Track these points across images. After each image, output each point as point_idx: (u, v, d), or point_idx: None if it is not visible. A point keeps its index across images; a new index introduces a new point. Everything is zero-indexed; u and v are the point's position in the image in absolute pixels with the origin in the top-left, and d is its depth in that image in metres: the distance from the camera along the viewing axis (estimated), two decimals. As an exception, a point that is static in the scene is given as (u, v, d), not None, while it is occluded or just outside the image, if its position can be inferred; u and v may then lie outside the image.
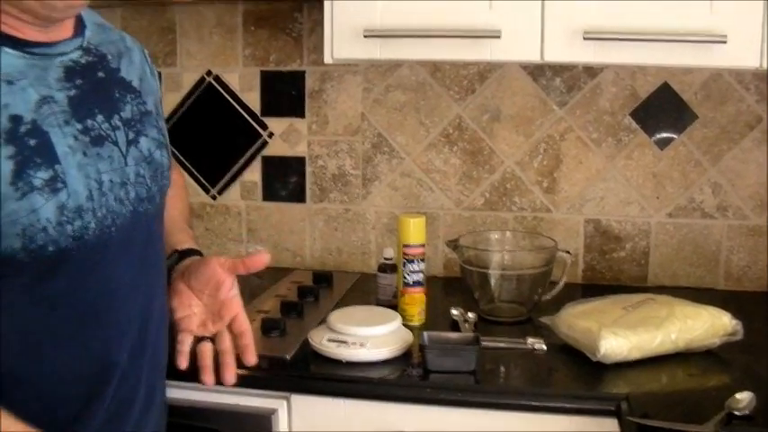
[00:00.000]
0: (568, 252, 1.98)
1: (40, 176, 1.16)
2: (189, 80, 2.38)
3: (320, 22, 2.01)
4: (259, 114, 2.40)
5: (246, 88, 2.38)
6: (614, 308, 1.78)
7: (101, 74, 1.33)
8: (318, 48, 2.21)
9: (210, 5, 2.36)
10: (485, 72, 2.17)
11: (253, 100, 2.39)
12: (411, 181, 2.28)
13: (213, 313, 1.47)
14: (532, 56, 1.81)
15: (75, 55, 1.29)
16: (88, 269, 1.24)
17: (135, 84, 1.39)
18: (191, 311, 1.46)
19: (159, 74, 1.55)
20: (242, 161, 2.43)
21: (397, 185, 2.27)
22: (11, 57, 1.18)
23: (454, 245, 1.98)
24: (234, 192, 2.43)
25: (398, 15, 1.84)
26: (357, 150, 2.29)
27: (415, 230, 1.91)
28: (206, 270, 1.46)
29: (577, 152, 2.19)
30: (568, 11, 1.75)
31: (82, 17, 1.34)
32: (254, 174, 2.42)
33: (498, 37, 1.77)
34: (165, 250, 1.51)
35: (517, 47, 1.82)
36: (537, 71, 2.16)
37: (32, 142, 1.16)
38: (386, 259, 2.02)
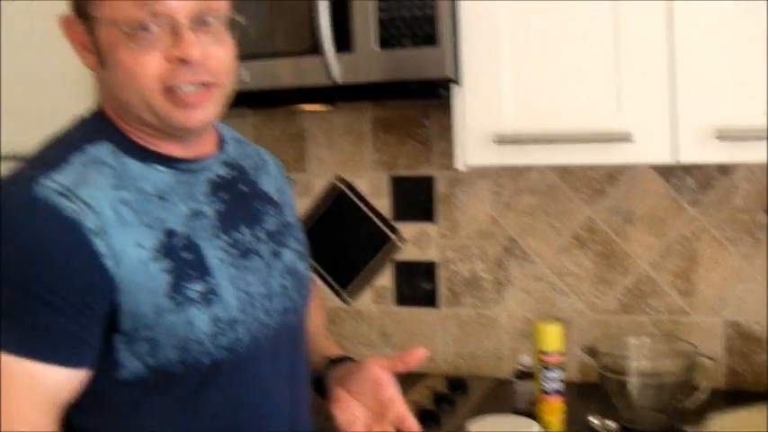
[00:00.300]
0: (710, 358, 1.93)
1: (196, 289, 1.24)
2: (319, 186, 2.50)
3: (448, 128, 2.11)
4: (390, 219, 2.57)
5: (376, 193, 2.61)
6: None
7: (243, 187, 1.45)
8: (447, 152, 2.33)
9: (339, 112, 2.62)
10: (615, 173, 2.29)
11: (383, 205, 2.60)
12: (544, 285, 2.43)
13: (377, 415, 1.47)
14: (665, 158, 1.91)
15: (219, 170, 1.41)
16: (239, 382, 1.32)
17: (274, 196, 1.51)
18: (353, 416, 1.47)
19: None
20: (373, 266, 2.59)
21: (530, 289, 2.39)
22: (161, 173, 1.30)
23: (592, 351, 1.97)
24: (366, 296, 2.63)
25: (528, 121, 2.01)
26: (489, 254, 2.41)
27: (552, 338, 1.94)
28: (364, 372, 1.48)
29: (713, 252, 2.31)
30: (699, 111, 1.85)
31: (222, 133, 1.50)
32: (385, 278, 2.61)
33: (629, 140, 1.77)
34: (315, 358, 1.58)
35: (649, 149, 1.91)
36: (668, 171, 2.34)
37: (186, 255, 1.25)
38: (522, 366, 2.01)
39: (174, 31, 1.22)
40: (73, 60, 1.33)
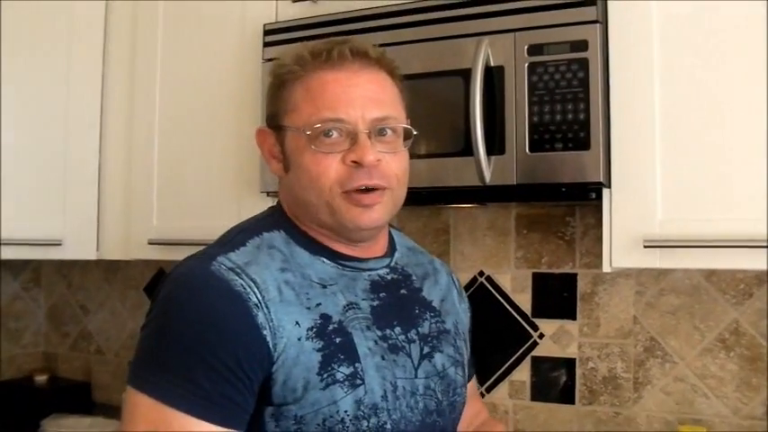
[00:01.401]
0: None
1: (343, 371, 1.31)
2: (462, 280, 2.54)
3: (592, 226, 2.10)
4: (530, 315, 2.63)
5: (518, 289, 2.66)
6: None
7: (403, 291, 1.55)
8: (591, 251, 2.34)
9: (483, 209, 2.68)
10: (762, 275, 2.28)
11: (524, 301, 2.65)
12: (685, 386, 2.42)
13: None
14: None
15: (383, 272, 1.52)
16: None
17: (435, 304, 1.58)
18: None
19: (467, 299, 1.79)
20: (512, 361, 2.63)
21: (670, 390, 2.38)
22: (326, 266, 1.42)
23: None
24: (502, 390, 2.69)
25: (677, 224, 2.02)
26: (629, 353, 2.41)
27: (696, 442, 1.90)
28: None
29: None
30: None
31: (394, 240, 1.62)
32: (523, 373, 2.65)
33: None
34: None
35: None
36: (817, 275, 2.13)
37: (338, 340, 1.33)
38: (664, 468, 2.00)
39: (353, 138, 1.37)
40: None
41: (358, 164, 1.35)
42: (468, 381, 1.67)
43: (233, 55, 2.57)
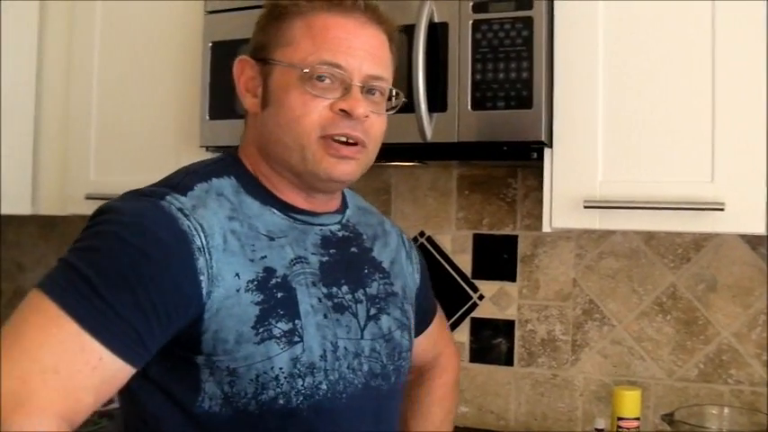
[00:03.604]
0: (792, 431, 1.91)
1: (280, 327, 1.28)
2: (402, 240, 2.48)
3: (534, 188, 2.09)
4: (470, 276, 2.61)
5: (458, 250, 2.63)
6: None
7: (354, 249, 1.51)
8: (532, 213, 2.33)
9: (426, 168, 2.66)
10: (700, 240, 2.30)
11: (464, 262, 2.63)
12: (622, 349, 2.44)
13: None
14: (757, 228, 1.90)
15: (335, 228, 1.48)
16: None
17: (385, 265, 1.56)
18: None
19: (420, 259, 1.77)
20: (451, 322, 2.63)
21: (608, 353, 2.42)
22: (276, 217, 1.38)
23: (670, 419, 1.98)
24: None
25: (617, 185, 2.02)
26: (567, 316, 2.43)
27: (630, 404, 1.95)
28: None
29: None
30: None
31: (346, 198, 1.59)
32: (462, 334, 2.64)
33: (722, 209, 1.81)
34: None
35: (741, 219, 1.90)
36: (755, 240, 2.36)
37: (280, 294, 1.30)
38: (597, 430, 2.01)
39: (346, 87, 1.34)
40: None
41: (347, 114, 1.33)
42: (426, 327, 1.71)
43: (175, 6, 2.49)
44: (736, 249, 2.34)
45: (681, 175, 1.94)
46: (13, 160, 2.63)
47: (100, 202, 2.54)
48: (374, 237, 1.56)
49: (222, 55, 2.24)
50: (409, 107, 2.00)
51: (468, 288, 2.60)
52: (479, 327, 2.60)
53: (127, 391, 1.24)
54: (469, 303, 2.60)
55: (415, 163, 2.44)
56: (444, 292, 2.60)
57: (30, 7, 2.66)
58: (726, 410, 2.22)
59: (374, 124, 1.38)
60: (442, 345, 1.83)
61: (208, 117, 2.30)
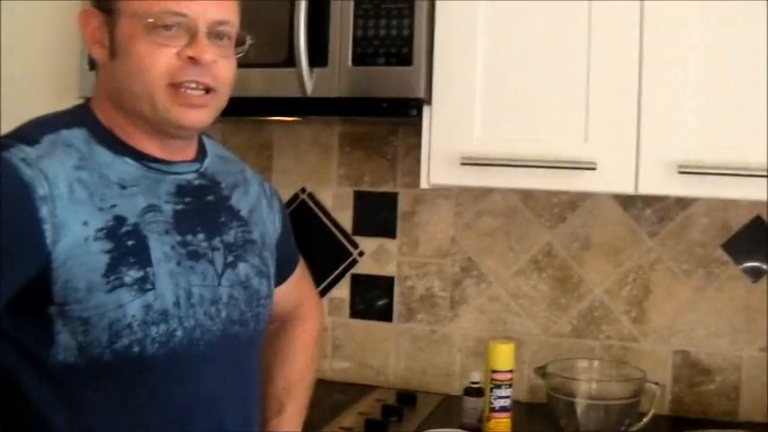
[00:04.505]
0: (657, 383, 1.97)
1: (131, 275, 1.27)
2: (283, 196, 2.54)
3: (415, 146, 2.13)
4: (350, 233, 2.64)
5: (339, 207, 2.64)
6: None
7: (210, 198, 1.51)
8: (412, 171, 2.35)
9: (307, 125, 2.66)
10: (576, 200, 2.29)
11: (345, 219, 2.64)
12: (498, 305, 2.47)
13: None
14: (627, 188, 1.97)
15: (190, 177, 1.47)
16: (172, 380, 1.34)
17: (243, 213, 1.55)
18: None
19: (282, 207, 1.76)
20: (331, 278, 2.64)
21: (485, 309, 2.42)
22: (129, 166, 1.36)
23: (542, 372, 2.02)
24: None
25: (494, 144, 2.05)
26: (446, 273, 2.42)
27: (504, 357, 1.99)
28: None
29: (667, 283, 2.39)
30: (663, 144, 1.91)
31: (205, 146, 1.58)
32: (342, 291, 2.65)
33: (594, 169, 1.86)
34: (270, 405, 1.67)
35: (612, 179, 1.97)
36: (628, 201, 2.40)
37: (130, 243, 1.29)
38: (472, 383, 2.06)
39: (192, 34, 1.33)
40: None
41: (194, 60, 1.32)
42: (287, 276, 1.72)
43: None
44: (609, 209, 2.40)
45: (556, 135, 1.98)
46: None
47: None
48: (234, 185, 1.54)
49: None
50: (290, 61, 2.00)
51: (348, 245, 2.61)
52: (359, 283, 2.61)
53: None
54: (350, 260, 2.61)
55: (297, 118, 2.44)
56: (325, 248, 2.63)
57: None
58: (595, 363, 2.29)
59: (223, 69, 1.37)
60: (304, 295, 1.84)
61: (87, 67, 2.23)
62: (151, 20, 1.30)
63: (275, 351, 1.74)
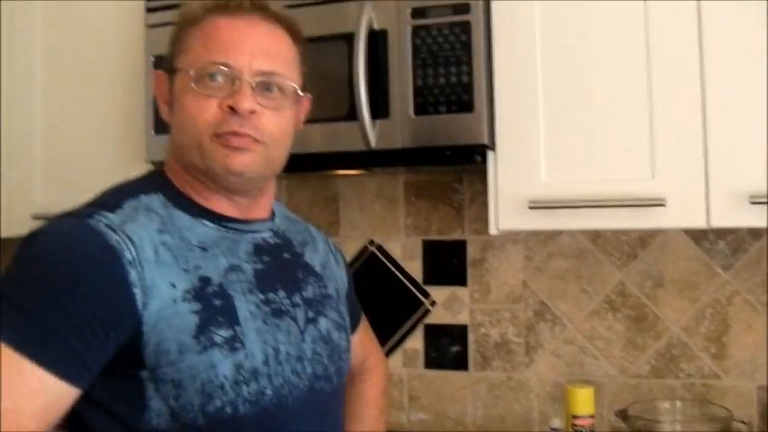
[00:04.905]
0: (743, 422, 1.93)
1: (221, 334, 1.28)
2: (352, 249, 2.54)
3: (481, 192, 2.12)
4: (421, 283, 2.63)
5: (408, 257, 2.65)
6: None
7: (286, 255, 1.53)
8: (479, 217, 2.35)
9: (372, 176, 2.68)
10: (646, 237, 2.30)
11: (415, 269, 2.63)
12: (574, 348, 2.44)
13: None
14: (698, 222, 1.94)
15: (266, 235, 1.49)
16: None
17: (317, 269, 1.58)
18: None
19: (346, 263, 1.78)
20: (404, 329, 2.64)
21: (561, 353, 2.41)
22: (208, 228, 1.38)
23: (623, 415, 2.00)
24: (396, 359, 2.68)
25: (561, 185, 2.05)
26: (519, 318, 2.44)
27: (584, 401, 1.96)
28: None
29: (746, 316, 2.35)
30: (732, 175, 1.89)
31: (273, 208, 1.58)
32: (416, 341, 2.64)
33: (663, 205, 1.88)
34: None
35: (682, 214, 1.95)
36: (699, 235, 2.38)
37: (217, 302, 1.30)
38: (553, 429, 2.03)
39: (235, 85, 1.34)
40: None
41: (233, 110, 1.33)
42: (354, 331, 1.70)
43: (115, 20, 2.47)
44: (680, 244, 2.37)
45: (622, 173, 1.97)
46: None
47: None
48: (303, 242, 1.57)
49: (164, 68, 2.22)
50: (352, 115, 2.02)
51: (419, 294, 2.61)
52: (433, 333, 2.60)
53: (72, 416, 1.22)
54: (422, 310, 2.60)
55: (361, 171, 2.46)
56: (396, 299, 2.63)
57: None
58: (678, 404, 2.24)
59: (268, 120, 1.37)
60: (369, 347, 1.84)
61: (153, 131, 2.29)
62: (195, 71, 1.34)
63: (346, 406, 1.74)
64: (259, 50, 1.38)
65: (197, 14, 1.41)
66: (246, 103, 1.33)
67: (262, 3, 1.43)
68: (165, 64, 1.45)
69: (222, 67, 1.34)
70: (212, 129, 1.33)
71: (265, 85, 1.38)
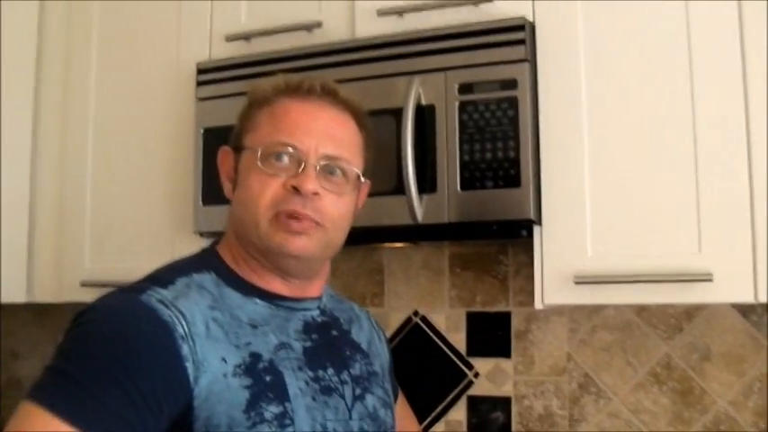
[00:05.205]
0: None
1: (272, 410, 1.28)
2: (396, 320, 2.55)
3: (525, 264, 2.13)
4: (465, 354, 2.63)
5: (452, 329, 2.65)
6: None
7: (334, 332, 1.56)
8: (524, 289, 2.37)
9: (417, 248, 2.68)
10: (692, 310, 2.31)
11: (459, 340, 2.65)
12: (619, 422, 2.44)
13: None
14: (746, 297, 1.92)
15: (314, 313, 1.53)
16: None
17: (363, 346, 1.61)
18: None
19: (387, 339, 1.81)
20: (447, 400, 2.64)
21: (605, 426, 2.41)
22: (258, 306, 1.41)
23: (671, 491, 1.95)
24: (438, 430, 2.63)
25: (607, 260, 2.04)
26: (563, 390, 2.41)
27: (631, 477, 1.90)
28: None
29: None
30: None
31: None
32: (459, 413, 2.64)
33: (710, 280, 1.84)
34: None
35: (730, 289, 1.92)
36: (747, 308, 2.37)
37: (268, 378, 1.31)
38: (600, 504, 2.00)
39: (301, 166, 1.38)
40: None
41: (296, 190, 1.36)
42: (396, 402, 1.70)
43: (166, 93, 2.53)
44: (727, 318, 2.35)
45: (669, 247, 1.97)
46: (8, 248, 2.63)
47: (95, 290, 2.58)
48: (350, 320, 1.60)
49: (214, 140, 2.25)
50: (399, 189, 2.05)
51: (463, 366, 2.60)
52: (476, 404, 2.59)
53: None
54: (465, 381, 2.60)
55: (408, 244, 2.48)
56: (440, 370, 2.62)
57: (25, 95, 2.69)
58: (726, 480, 2.23)
59: (329, 204, 1.40)
60: (407, 421, 1.85)
61: (201, 203, 2.33)
62: (262, 149, 1.38)
63: None
64: (326, 135, 1.42)
65: (268, 95, 1.46)
66: (310, 184, 1.36)
67: (330, 85, 1.47)
68: (231, 141, 1.49)
69: (289, 148, 1.38)
70: (274, 207, 1.37)
71: (329, 169, 1.42)
